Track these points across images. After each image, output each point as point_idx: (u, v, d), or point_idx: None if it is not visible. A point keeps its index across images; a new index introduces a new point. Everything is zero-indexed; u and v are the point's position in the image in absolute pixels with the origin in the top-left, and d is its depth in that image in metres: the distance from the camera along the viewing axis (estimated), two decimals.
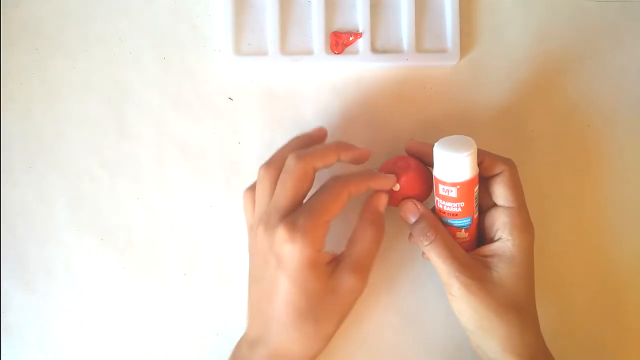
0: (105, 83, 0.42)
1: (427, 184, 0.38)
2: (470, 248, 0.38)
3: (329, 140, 0.41)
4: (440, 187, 0.36)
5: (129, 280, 0.42)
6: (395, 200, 0.39)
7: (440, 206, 0.37)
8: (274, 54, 0.42)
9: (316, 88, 0.43)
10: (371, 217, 0.37)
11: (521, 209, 0.37)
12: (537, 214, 0.38)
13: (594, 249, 0.44)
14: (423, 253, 0.38)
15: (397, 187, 0.38)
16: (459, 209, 0.36)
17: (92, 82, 0.42)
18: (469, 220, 0.37)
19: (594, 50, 0.44)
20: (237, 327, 0.41)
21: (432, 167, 0.37)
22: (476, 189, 0.36)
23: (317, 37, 0.42)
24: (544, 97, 0.44)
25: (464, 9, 0.43)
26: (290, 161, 0.35)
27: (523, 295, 0.36)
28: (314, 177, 0.36)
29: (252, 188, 0.38)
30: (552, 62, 0.44)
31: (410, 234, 0.39)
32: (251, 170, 0.43)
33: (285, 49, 0.42)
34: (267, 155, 0.42)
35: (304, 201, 0.36)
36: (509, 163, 0.37)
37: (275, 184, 0.36)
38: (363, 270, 0.36)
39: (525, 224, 0.37)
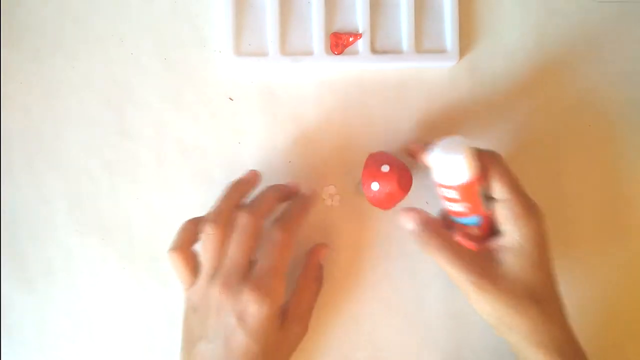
0: (105, 83, 0.42)
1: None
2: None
3: (329, 139, 0.41)
4: (442, 190, 0.36)
5: (129, 280, 0.42)
6: (391, 202, 0.39)
7: (448, 207, 0.37)
8: (274, 54, 0.42)
9: (316, 88, 0.43)
10: (314, 273, 0.41)
11: (518, 197, 0.36)
12: None
13: (599, 250, 0.44)
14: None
15: (376, 187, 0.38)
16: (466, 209, 0.36)
17: (92, 82, 0.42)
18: (479, 218, 0.36)
19: (594, 51, 0.44)
20: None
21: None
22: (481, 188, 0.35)
23: (317, 37, 0.42)
24: (543, 98, 0.44)
25: (463, 10, 0.43)
26: (243, 219, 0.36)
27: (540, 284, 0.35)
28: (261, 231, 0.37)
29: (182, 248, 0.37)
30: (551, 63, 0.44)
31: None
32: None
33: (285, 49, 0.42)
34: (267, 156, 0.43)
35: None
36: (492, 156, 0.37)
37: (223, 241, 0.36)
38: (307, 319, 0.40)
39: (526, 211, 0.35)
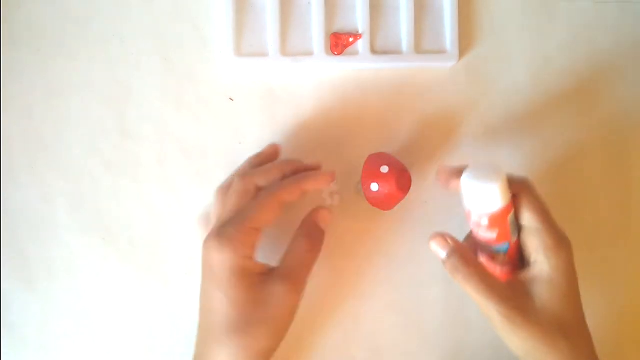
0: (106, 83, 0.42)
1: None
2: (514, 270, 0.37)
3: (328, 138, 0.41)
4: (472, 216, 0.35)
5: (130, 280, 0.42)
6: (390, 203, 0.39)
7: (475, 232, 0.36)
8: (275, 55, 0.42)
9: (316, 89, 0.43)
10: (307, 230, 0.38)
11: (550, 228, 0.35)
12: None
13: (607, 255, 0.44)
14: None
15: (375, 188, 0.38)
16: (494, 236, 0.35)
17: (93, 82, 0.42)
18: (506, 245, 0.36)
19: (593, 51, 0.44)
20: None
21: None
22: (510, 215, 0.35)
23: (317, 38, 0.42)
24: (541, 98, 0.44)
25: (462, 10, 0.43)
26: (234, 181, 0.37)
27: (569, 317, 0.35)
28: (255, 194, 0.37)
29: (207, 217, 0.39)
30: (550, 63, 0.44)
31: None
32: None
33: (285, 50, 0.42)
34: None
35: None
36: (524, 184, 0.36)
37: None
38: (296, 281, 0.36)
39: (557, 242, 0.35)
